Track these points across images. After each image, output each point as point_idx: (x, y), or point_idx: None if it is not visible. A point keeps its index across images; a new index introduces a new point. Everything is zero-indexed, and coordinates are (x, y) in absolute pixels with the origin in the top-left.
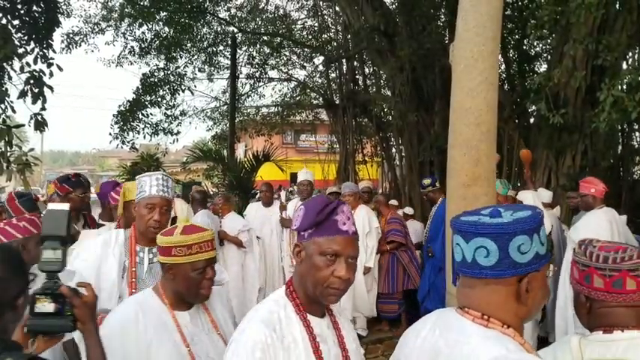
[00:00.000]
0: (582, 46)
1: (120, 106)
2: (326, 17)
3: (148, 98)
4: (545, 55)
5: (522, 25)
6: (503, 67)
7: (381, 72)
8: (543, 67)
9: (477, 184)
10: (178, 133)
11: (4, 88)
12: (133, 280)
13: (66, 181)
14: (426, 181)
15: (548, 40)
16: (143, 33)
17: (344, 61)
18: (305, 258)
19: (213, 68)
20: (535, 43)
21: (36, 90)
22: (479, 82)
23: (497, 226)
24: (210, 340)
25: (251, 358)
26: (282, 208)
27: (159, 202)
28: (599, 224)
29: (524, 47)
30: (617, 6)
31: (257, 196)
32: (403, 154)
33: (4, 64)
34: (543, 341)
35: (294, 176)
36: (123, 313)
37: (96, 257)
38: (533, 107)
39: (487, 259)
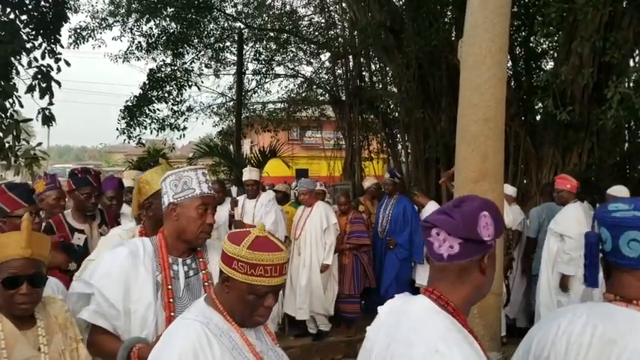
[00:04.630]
0: (589, 44)
1: (127, 101)
2: (333, 13)
3: (155, 94)
4: (551, 52)
5: (529, 23)
6: (509, 64)
7: (387, 68)
8: (550, 65)
9: (484, 180)
10: (185, 128)
11: (12, 83)
12: (170, 300)
13: (71, 176)
14: (399, 175)
15: (555, 38)
16: (150, 28)
17: (350, 57)
18: (488, 267)
19: (219, 64)
20: (542, 41)
21: (43, 85)
22: (487, 78)
23: None
24: (275, 355)
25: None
26: (234, 204)
27: (212, 201)
28: (577, 216)
29: (531, 44)
30: (625, 3)
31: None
32: (409, 150)
33: (12, 58)
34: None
35: (299, 172)
36: (191, 338)
37: (122, 272)
38: (540, 104)
39: None
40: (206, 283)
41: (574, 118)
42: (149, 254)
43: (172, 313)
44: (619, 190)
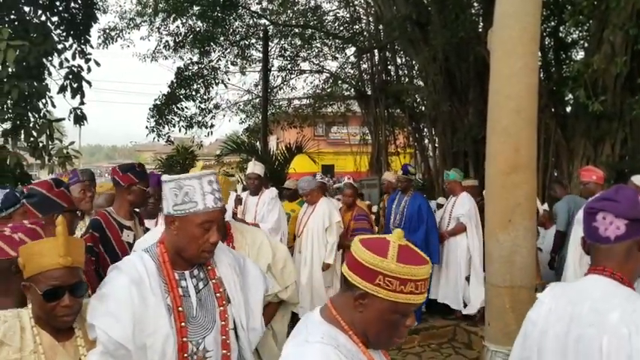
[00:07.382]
0: (622, 32)
1: (156, 99)
2: (357, 8)
3: (183, 92)
4: (582, 42)
5: (559, 12)
6: (539, 54)
7: (413, 62)
8: (580, 55)
9: (516, 172)
10: (212, 126)
11: (44, 84)
12: (183, 324)
13: (130, 169)
14: (412, 170)
15: (586, 27)
16: (177, 27)
17: (376, 51)
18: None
19: (245, 61)
20: (572, 30)
21: (75, 85)
22: (519, 67)
23: None
24: None
25: None
26: (238, 202)
27: (217, 216)
28: None
29: (561, 34)
30: None
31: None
32: (436, 144)
33: (44, 59)
34: None
35: (325, 168)
36: (326, 355)
37: (128, 306)
38: (570, 95)
39: None
40: (218, 294)
41: (606, 109)
42: (153, 275)
43: (184, 339)
44: None
